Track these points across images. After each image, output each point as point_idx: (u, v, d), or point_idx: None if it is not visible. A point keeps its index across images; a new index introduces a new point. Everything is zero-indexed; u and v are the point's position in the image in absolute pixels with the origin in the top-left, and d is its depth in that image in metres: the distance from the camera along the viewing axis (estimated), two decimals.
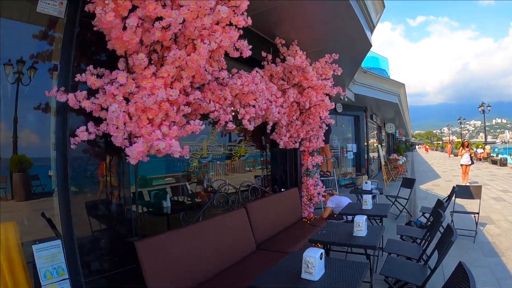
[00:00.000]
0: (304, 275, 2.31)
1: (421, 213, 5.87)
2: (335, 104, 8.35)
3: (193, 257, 3.00)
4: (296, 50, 4.57)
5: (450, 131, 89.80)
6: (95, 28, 2.45)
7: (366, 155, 14.27)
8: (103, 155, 2.75)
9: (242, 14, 2.66)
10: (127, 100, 2.48)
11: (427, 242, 3.66)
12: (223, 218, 3.60)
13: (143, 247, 2.62)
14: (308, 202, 5.70)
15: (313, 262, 2.27)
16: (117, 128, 2.38)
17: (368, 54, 6.51)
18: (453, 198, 5.75)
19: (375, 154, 17.62)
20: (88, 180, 2.69)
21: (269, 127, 4.27)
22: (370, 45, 5.58)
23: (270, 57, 4.48)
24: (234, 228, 3.65)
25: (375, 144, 18.49)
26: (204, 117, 3.17)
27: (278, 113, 4.13)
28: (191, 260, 2.98)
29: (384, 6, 5.37)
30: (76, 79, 2.41)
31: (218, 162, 4.85)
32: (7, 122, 2.60)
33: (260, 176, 5.60)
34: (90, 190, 2.72)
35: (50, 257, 2.66)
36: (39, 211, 2.90)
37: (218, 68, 3.03)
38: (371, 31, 5.31)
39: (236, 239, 3.62)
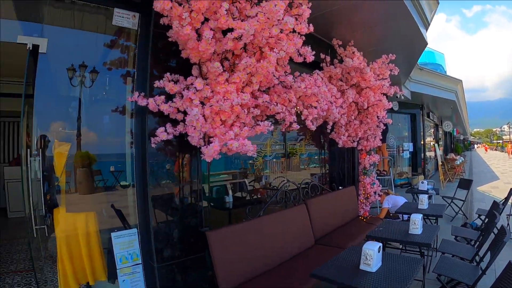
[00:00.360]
0: (362, 267, 2.45)
1: (477, 215, 5.68)
2: (391, 103, 8.25)
3: (256, 248, 3.23)
4: (353, 52, 4.65)
5: (510, 129, 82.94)
6: (170, 39, 2.73)
7: (422, 155, 13.79)
8: (176, 153, 3.03)
9: (304, 21, 2.82)
10: (202, 103, 2.74)
11: (480, 243, 3.61)
12: (284, 213, 3.80)
13: (213, 236, 2.89)
14: (364, 201, 5.74)
15: (372, 254, 2.41)
16: (194, 128, 2.63)
17: None
18: (510, 200, 5.51)
19: (432, 154, 16.95)
20: (163, 175, 2.99)
21: (329, 127, 4.41)
22: (426, 43, 5.52)
23: (328, 58, 4.59)
24: (295, 223, 3.83)
25: (432, 143, 17.78)
26: (267, 117, 3.38)
27: (338, 113, 4.24)
28: (254, 251, 3.20)
29: (438, 3, 5.27)
30: (155, 85, 2.71)
31: (274, 160, 5.06)
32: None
33: (317, 174, 5.73)
34: (165, 184, 3.01)
35: (126, 244, 3.01)
36: (104, 203, 3.28)
37: (284, 72, 3.23)
38: (426, 29, 5.25)
39: (296, 233, 3.80)
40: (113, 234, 2.95)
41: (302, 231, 3.92)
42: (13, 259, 4.87)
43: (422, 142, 13.84)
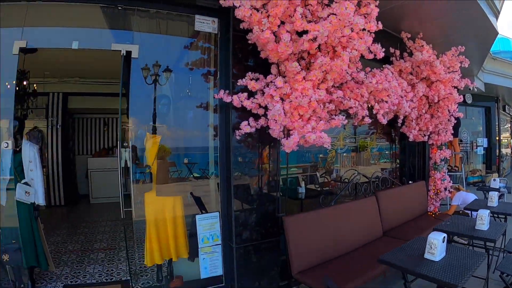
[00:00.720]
0: (426, 255, 2.54)
1: None
2: (464, 95, 7.92)
3: (327, 234, 3.43)
4: (422, 45, 4.63)
5: None
6: (249, 41, 3.01)
7: (497, 151, 12.91)
8: (256, 145, 3.33)
9: (373, 20, 2.99)
10: (281, 99, 2.98)
11: None
12: (355, 204, 3.96)
13: (289, 221, 3.14)
14: (434, 196, 5.65)
15: (436, 243, 2.50)
16: (275, 122, 2.89)
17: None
18: None
19: (508, 151, 15.73)
20: (244, 165, 3.29)
21: (400, 121, 4.46)
22: (496, 32, 5.28)
23: (398, 52, 4.62)
24: (364, 214, 3.96)
25: (508, 139, 16.49)
26: (340, 111, 3.54)
27: (409, 107, 4.28)
28: (325, 237, 3.41)
29: None
30: (238, 83, 3.01)
31: (345, 154, 5.20)
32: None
33: (388, 168, 5.76)
34: (246, 173, 3.31)
35: (209, 225, 3.39)
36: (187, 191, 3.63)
37: (356, 68, 3.38)
38: (496, 17, 5.03)
39: (365, 224, 3.93)
40: (197, 216, 3.33)
41: (371, 222, 4.03)
42: (97, 239, 5.52)
43: (497, 138, 12.94)
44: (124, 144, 3.32)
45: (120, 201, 3.34)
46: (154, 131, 3.41)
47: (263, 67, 3.15)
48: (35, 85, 6.37)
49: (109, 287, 3.74)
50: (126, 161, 3.41)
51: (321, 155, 4.81)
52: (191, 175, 3.79)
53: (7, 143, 3.19)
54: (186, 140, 3.66)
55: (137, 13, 3.30)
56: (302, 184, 4.46)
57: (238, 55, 3.23)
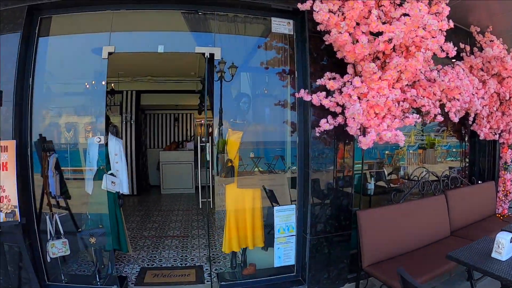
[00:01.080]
0: (494, 255, 2.59)
1: None
2: None
3: (396, 231, 3.52)
4: (492, 40, 4.50)
5: None
6: (326, 42, 3.16)
7: None
8: (332, 141, 3.48)
9: (444, 19, 3.03)
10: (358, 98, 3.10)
11: None
12: (423, 201, 3.97)
13: (362, 215, 3.28)
14: (503, 198, 5.44)
15: (504, 243, 2.53)
16: (354, 120, 3.04)
17: None
18: None
19: None
20: (321, 160, 3.46)
21: (470, 118, 4.40)
22: None
23: (468, 48, 4.52)
24: (433, 212, 3.96)
25: None
26: (412, 109, 3.60)
27: (480, 104, 4.20)
28: (394, 233, 3.49)
29: None
30: (317, 83, 3.18)
31: (411, 151, 5.18)
32: None
33: (455, 167, 5.64)
34: (323, 168, 3.48)
35: (285, 217, 3.58)
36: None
37: (429, 67, 3.43)
38: None
39: (433, 222, 3.93)
40: (275, 208, 3.55)
41: (439, 220, 4.02)
42: (170, 226, 5.94)
43: None
44: (204, 139, 3.58)
45: (199, 193, 3.62)
46: (235, 127, 3.65)
47: (338, 66, 3.29)
48: (112, 84, 6.96)
49: (184, 271, 4.05)
50: (205, 154, 3.64)
51: (387, 152, 4.84)
52: (268, 169, 3.98)
53: (99, 138, 3.56)
54: (263, 135, 3.89)
55: (217, 17, 3.57)
56: (371, 180, 4.54)
57: (313, 55, 3.40)
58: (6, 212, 3.07)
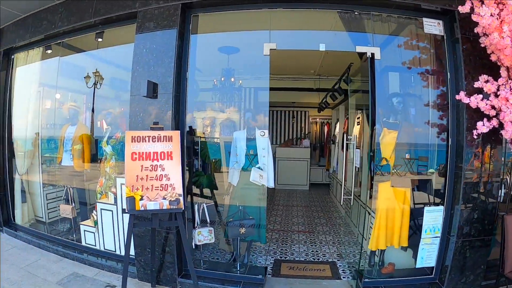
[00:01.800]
0: None
1: None
2: None
3: None
4: None
5: None
6: (482, 45, 3.10)
7: None
8: (483, 144, 3.37)
9: None
10: None
11: None
12: None
13: (510, 220, 3.09)
14: None
15: None
16: (511, 123, 2.91)
17: None
18: None
19: None
20: (472, 163, 3.37)
21: None
22: None
23: None
24: None
25: None
26: None
27: None
28: None
29: None
30: (475, 86, 3.11)
31: None
32: None
33: None
34: (474, 171, 3.38)
35: (433, 218, 3.52)
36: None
37: None
38: None
39: None
40: (426, 208, 3.54)
41: None
42: (293, 221, 6.25)
43: None
44: (349, 137, 3.67)
45: (342, 190, 3.71)
46: (389, 126, 3.70)
47: (489, 69, 3.17)
48: (240, 81, 7.44)
49: (319, 266, 4.23)
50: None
51: None
52: (413, 170, 3.93)
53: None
54: (415, 136, 3.87)
55: (372, 17, 3.68)
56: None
57: (467, 56, 3.34)
58: (171, 200, 3.25)
